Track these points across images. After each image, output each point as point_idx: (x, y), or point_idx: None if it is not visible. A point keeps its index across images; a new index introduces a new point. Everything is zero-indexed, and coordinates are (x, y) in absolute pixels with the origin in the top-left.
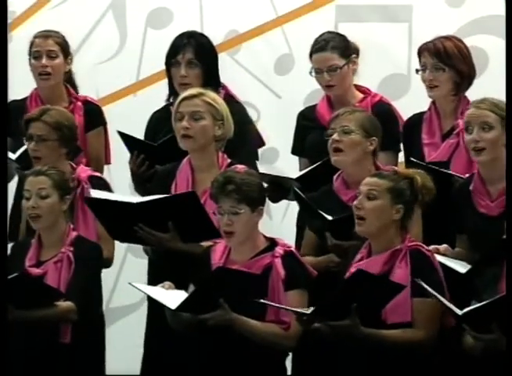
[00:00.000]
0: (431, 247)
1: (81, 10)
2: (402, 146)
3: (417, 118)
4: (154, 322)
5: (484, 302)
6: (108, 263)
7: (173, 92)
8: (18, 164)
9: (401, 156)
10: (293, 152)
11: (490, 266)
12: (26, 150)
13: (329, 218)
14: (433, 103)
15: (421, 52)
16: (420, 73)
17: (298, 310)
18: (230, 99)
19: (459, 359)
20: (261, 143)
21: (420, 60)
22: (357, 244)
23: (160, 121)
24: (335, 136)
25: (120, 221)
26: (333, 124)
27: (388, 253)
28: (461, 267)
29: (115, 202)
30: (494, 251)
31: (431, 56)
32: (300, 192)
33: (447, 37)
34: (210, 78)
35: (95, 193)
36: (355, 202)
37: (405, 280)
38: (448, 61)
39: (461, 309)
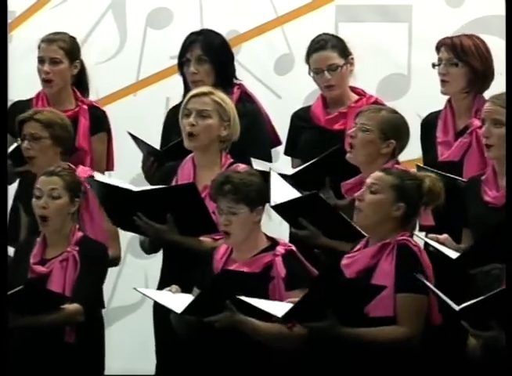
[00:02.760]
0: (431, 235)
1: (81, 10)
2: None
3: (434, 117)
4: (160, 323)
5: (482, 297)
6: (115, 262)
7: (187, 91)
8: (11, 161)
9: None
10: (286, 152)
11: (482, 254)
12: (18, 147)
13: (272, 204)
14: (448, 101)
15: (439, 46)
16: (436, 68)
17: (271, 312)
18: (246, 98)
19: (445, 357)
20: (277, 143)
21: (437, 55)
22: (310, 235)
23: (175, 118)
24: (351, 131)
25: (121, 208)
26: (357, 120)
27: (377, 246)
28: (453, 254)
29: (117, 187)
30: (487, 238)
31: (447, 50)
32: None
33: (467, 35)
34: (222, 76)
35: (99, 177)
36: (357, 193)
37: (390, 274)
38: (463, 56)
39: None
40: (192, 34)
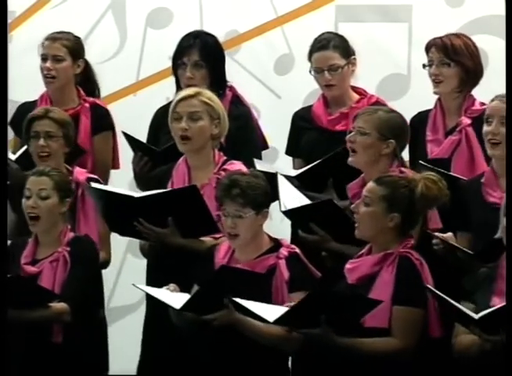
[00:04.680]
0: (435, 234)
1: (81, 10)
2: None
3: (423, 116)
4: (152, 324)
5: (500, 305)
6: (105, 265)
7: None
8: (18, 164)
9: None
10: (287, 152)
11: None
12: (26, 151)
13: (283, 209)
14: (438, 99)
15: (429, 47)
16: (426, 68)
17: (262, 316)
18: (236, 100)
19: (446, 370)
20: (265, 146)
21: (427, 56)
22: (320, 240)
23: (164, 118)
24: (350, 136)
25: (120, 214)
26: (354, 123)
27: (380, 255)
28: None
29: (116, 194)
30: (488, 247)
31: (438, 51)
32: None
33: (456, 34)
34: (216, 79)
35: (97, 185)
36: (352, 205)
37: (389, 285)
38: (454, 56)
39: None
40: (188, 36)
